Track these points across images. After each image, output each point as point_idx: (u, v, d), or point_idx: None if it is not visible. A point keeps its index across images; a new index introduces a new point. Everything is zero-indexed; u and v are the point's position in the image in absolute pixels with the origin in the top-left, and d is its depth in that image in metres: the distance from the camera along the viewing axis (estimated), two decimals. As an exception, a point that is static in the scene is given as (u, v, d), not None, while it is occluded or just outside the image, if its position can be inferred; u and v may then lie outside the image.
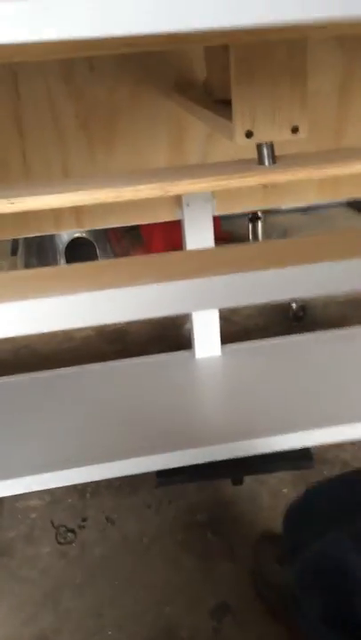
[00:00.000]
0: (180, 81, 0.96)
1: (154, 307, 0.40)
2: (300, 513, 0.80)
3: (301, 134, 0.63)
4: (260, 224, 1.85)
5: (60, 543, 1.02)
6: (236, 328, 1.64)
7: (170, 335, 1.61)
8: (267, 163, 0.66)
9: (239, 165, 0.67)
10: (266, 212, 1.90)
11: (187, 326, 1.56)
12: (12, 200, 0.63)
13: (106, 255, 2.00)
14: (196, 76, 0.96)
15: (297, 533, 0.78)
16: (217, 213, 1.09)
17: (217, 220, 2.20)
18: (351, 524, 0.69)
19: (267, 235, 2.02)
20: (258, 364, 1.19)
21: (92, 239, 1.94)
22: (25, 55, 0.68)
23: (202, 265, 0.40)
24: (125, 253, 2.09)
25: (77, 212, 1.04)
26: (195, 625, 0.88)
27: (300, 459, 1.05)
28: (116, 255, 2.04)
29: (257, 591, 0.91)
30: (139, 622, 0.88)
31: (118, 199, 0.63)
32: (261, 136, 0.63)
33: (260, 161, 0.66)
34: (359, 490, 0.76)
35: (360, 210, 2.40)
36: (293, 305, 1.65)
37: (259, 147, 0.65)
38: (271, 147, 0.65)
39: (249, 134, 0.62)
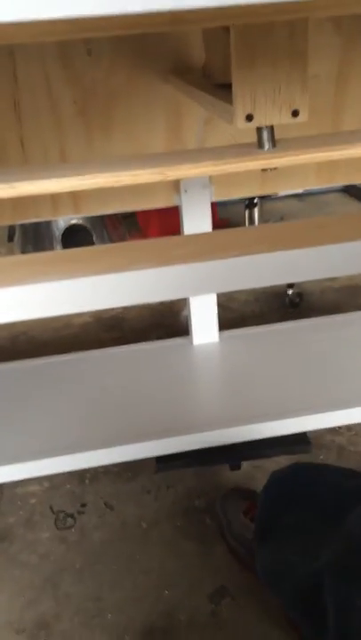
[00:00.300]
0: (178, 65, 0.95)
1: (152, 291, 0.40)
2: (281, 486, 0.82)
3: (302, 117, 0.63)
4: (256, 210, 1.84)
5: (59, 528, 1.02)
6: (232, 315, 1.64)
7: (167, 322, 1.61)
8: (266, 146, 0.65)
9: (239, 149, 0.66)
10: (262, 199, 1.89)
11: (184, 313, 1.56)
12: (13, 184, 0.62)
13: (103, 242, 1.99)
14: (194, 59, 0.95)
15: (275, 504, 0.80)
16: (215, 199, 1.08)
17: (214, 207, 2.20)
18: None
19: (263, 221, 2.01)
20: (255, 351, 1.19)
21: (88, 226, 1.93)
22: (21, 36, 0.67)
23: (199, 249, 0.39)
24: (122, 240, 2.08)
25: (75, 197, 1.03)
26: (193, 608, 0.89)
27: (296, 443, 1.05)
28: (113, 242, 2.03)
29: (225, 542, 0.97)
30: (138, 606, 0.89)
31: (117, 184, 0.62)
32: (262, 119, 0.62)
33: (260, 145, 0.66)
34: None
35: (356, 196, 2.39)
36: (290, 291, 1.65)
37: (259, 130, 0.65)
38: (271, 130, 0.65)
39: (249, 118, 0.62)
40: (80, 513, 1.05)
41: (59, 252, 0.46)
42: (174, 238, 0.42)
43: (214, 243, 0.41)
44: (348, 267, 0.40)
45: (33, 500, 1.08)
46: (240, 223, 2.02)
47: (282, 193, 2.26)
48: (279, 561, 0.76)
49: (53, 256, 0.43)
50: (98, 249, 0.42)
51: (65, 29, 0.63)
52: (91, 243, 1.95)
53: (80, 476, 1.13)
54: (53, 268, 0.42)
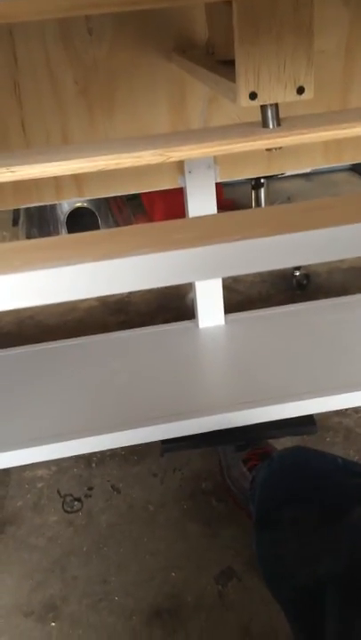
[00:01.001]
0: (181, 42, 0.93)
1: (153, 277, 0.39)
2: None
3: (307, 95, 0.61)
4: (262, 191, 1.82)
5: (66, 512, 1.03)
6: (239, 297, 1.63)
7: (173, 305, 1.60)
8: (271, 125, 0.64)
9: (242, 129, 0.65)
10: (269, 179, 1.86)
11: (190, 296, 1.55)
12: (13, 168, 0.61)
13: (107, 224, 1.98)
14: (198, 36, 0.92)
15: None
16: (220, 180, 1.06)
17: (219, 188, 2.18)
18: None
19: (270, 201, 1.99)
20: (261, 333, 1.18)
21: (93, 209, 1.92)
22: (20, 15, 0.65)
23: (201, 233, 0.38)
24: (127, 222, 2.06)
25: (78, 180, 1.02)
26: (200, 590, 0.89)
27: (303, 424, 1.05)
28: (118, 224, 2.01)
29: (223, 481, 1.03)
30: (145, 588, 0.90)
31: (119, 166, 0.61)
32: (266, 97, 0.60)
33: (265, 123, 0.64)
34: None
35: (365, 175, 2.36)
36: (297, 273, 1.63)
37: (263, 108, 0.63)
38: (276, 108, 0.63)
39: (253, 96, 0.60)
40: (87, 496, 1.06)
41: (57, 237, 0.45)
42: (175, 222, 0.41)
43: (216, 226, 0.40)
44: (353, 249, 0.39)
45: (40, 484, 1.09)
46: (246, 204, 2.00)
47: (289, 172, 2.22)
48: (278, 561, 0.75)
49: (52, 242, 0.42)
50: (101, 234, 0.41)
51: (64, 6, 0.61)
52: (96, 225, 1.94)
53: (87, 459, 1.13)
54: (53, 254, 0.41)
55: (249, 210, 0.43)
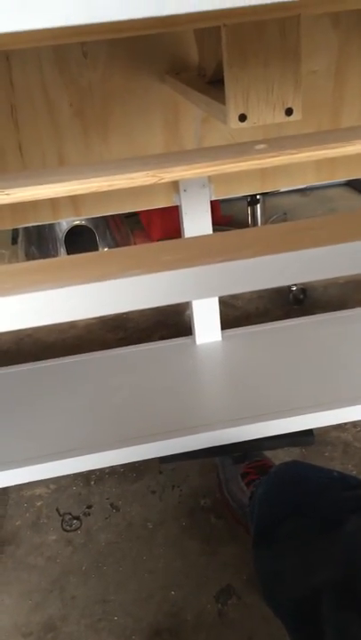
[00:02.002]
0: (174, 64, 0.95)
1: (146, 298, 0.40)
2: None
3: (296, 116, 0.62)
4: (259, 207, 1.84)
5: (65, 530, 1.03)
6: (237, 313, 1.64)
7: (171, 321, 1.61)
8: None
9: (234, 149, 0.66)
10: (265, 195, 1.88)
11: (188, 312, 1.56)
12: (7, 191, 0.63)
13: (106, 242, 1.99)
14: (190, 58, 0.94)
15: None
16: (214, 198, 1.08)
17: (217, 205, 2.20)
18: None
19: (266, 217, 2.01)
20: (258, 349, 1.19)
21: (91, 226, 1.93)
22: (16, 42, 0.67)
23: (188, 255, 0.39)
24: (125, 240, 2.08)
25: (74, 200, 1.03)
26: (200, 608, 0.89)
27: (300, 435, 1.05)
28: (117, 242, 2.03)
29: (221, 494, 1.04)
30: (144, 607, 0.89)
31: (112, 187, 0.62)
32: (255, 119, 0.62)
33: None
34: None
35: (360, 190, 2.38)
36: (294, 288, 1.64)
37: (253, 130, 0.64)
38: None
39: (242, 117, 0.62)
40: (86, 514, 1.06)
41: (48, 260, 0.46)
42: (165, 243, 0.42)
43: (204, 247, 0.41)
44: (338, 268, 0.40)
45: (39, 503, 1.09)
46: (243, 219, 2.01)
47: (284, 188, 2.24)
48: (276, 576, 0.75)
49: (52, 263, 0.43)
50: (86, 257, 0.42)
51: (57, 34, 0.63)
52: (94, 243, 1.95)
53: (86, 477, 1.13)
54: (53, 275, 0.42)
55: (237, 231, 0.44)
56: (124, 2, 0.32)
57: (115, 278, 0.39)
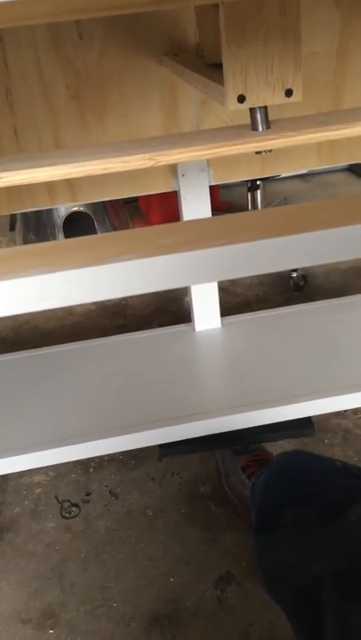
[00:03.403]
0: (172, 45, 0.93)
1: (150, 281, 0.39)
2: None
3: (296, 97, 0.61)
4: (259, 193, 1.82)
5: (64, 518, 1.03)
6: (237, 299, 1.63)
7: (171, 308, 1.60)
8: (260, 128, 0.63)
9: (231, 132, 0.64)
10: (265, 180, 1.86)
11: (187, 299, 1.55)
12: (0, 175, 0.61)
13: (104, 228, 1.98)
14: (188, 39, 0.92)
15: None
16: (213, 183, 1.06)
17: (216, 190, 2.18)
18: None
19: (267, 203, 1.99)
20: (258, 336, 1.18)
21: (90, 212, 1.92)
22: (8, 19, 0.65)
23: (185, 238, 0.38)
24: (124, 225, 2.06)
25: (71, 185, 1.02)
26: (199, 595, 0.89)
27: (300, 427, 1.05)
28: (115, 227, 2.01)
29: (221, 489, 1.03)
30: (143, 594, 0.90)
31: (107, 171, 0.61)
32: (254, 100, 0.60)
33: (254, 126, 0.64)
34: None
35: (362, 175, 2.35)
36: (294, 274, 1.63)
37: (252, 111, 0.63)
38: (265, 111, 0.63)
39: (241, 99, 0.60)
40: (85, 502, 1.05)
41: (53, 242, 0.45)
42: (161, 227, 0.41)
43: (202, 231, 0.40)
44: (339, 253, 0.38)
45: (38, 490, 1.08)
46: (244, 205, 1.99)
47: (285, 174, 2.22)
48: (277, 564, 0.75)
49: (49, 247, 0.42)
50: (81, 241, 0.41)
51: (52, 11, 0.61)
52: (93, 229, 1.94)
53: (85, 464, 1.13)
54: (49, 259, 0.40)
55: (235, 214, 0.43)
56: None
57: (111, 262, 0.38)
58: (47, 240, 1.93)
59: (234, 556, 0.94)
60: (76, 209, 1.88)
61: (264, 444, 1.08)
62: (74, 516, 1.03)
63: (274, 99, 0.60)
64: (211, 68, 0.75)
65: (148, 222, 2.12)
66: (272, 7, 0.56)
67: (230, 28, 0.57)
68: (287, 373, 1.07)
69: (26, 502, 1.06)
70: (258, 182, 1.80)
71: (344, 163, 1.12)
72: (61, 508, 1.04)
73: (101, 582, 0.92)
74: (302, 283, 1.63)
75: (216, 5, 0.60)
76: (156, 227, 0.41)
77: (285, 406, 1.00)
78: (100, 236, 0.41)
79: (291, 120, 0.67)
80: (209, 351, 1.16)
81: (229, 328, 1.21)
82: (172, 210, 1.20)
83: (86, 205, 1.88)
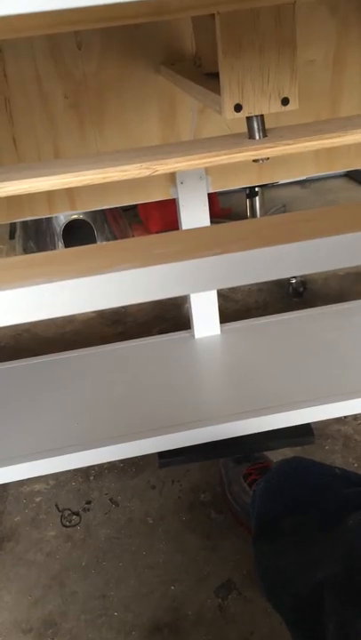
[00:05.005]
0: (170, 55, 0.94)
1: (147, 290, 0.39)
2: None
3: (292, 106, 0.61)
4: (257, 199, 1.82)
5: (65, 526, 1.03)
6: (236, 306, 1.63)
7: (170, 315, 1.60)
8: (257, 136, 0.64)
9: (229, 140, 0.65)
10: (264, 187, 1.87)
11: (187, 306, 1.55)
12: (1, 185, 0.62)
13: (104, 235, 1.98)
14: (186, 48, 0.93)
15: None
16: (212, 190, 1.07)
17: (215, 197, 2.18)
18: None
19: (265, 209, 1.99)
20: (257, 342, 1.18)
21: (89, 220, 1.92)
22: (6, 32, 0.66)
23: (181, 248, 0.38)
24: (124, 233, 2.07)
25: (70, 194, 1.02)
26: (200, 603, 0.89)
27: (300, 435, 1.05)
28: (115, 235, 2.02)
29: (224, 498, 1.03)
30: (144, 602, 0.89)
31: (106, 180, 0.61)
32: (251, 109, 0.61)
33: (251, 135, 0.64)
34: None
35: (359, 181, 2.36)
36: (293, 280, 1.63)
37: (248, 120, 0.63)
38: (261, 119, 0.63)
39: (238, 108, 0.61)
40: (85, 510, 1.05)
41: (42, 254, 0.45)
42: (158, 236, 0.41)
43: (199, 240, 0.40)
44: (332, 261, 0.39)
45: (38, 499, 1.08)
46: (242, 212, 2.00)
47: (283, 180, 2.23)
48: (277, 572, 0.75)
49: (36, 258, 0.42)
50: (79, 250, 0.41)
51: (49, 23, 0.61)
52: (92, 237, 1.94)
53: (85, 472, 1.13)
54: (49, 269, 0.41)
55: (232, 223, 0.43)
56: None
57: (108, 272, 0.38)
58: (47, 248, 1.94)
59: (234, 563, 0.93)
60: (75, 217, 1.88)
61: (266, 452, 1.08)
62: (74, 525, 1.03)
63: (270, 107, 0.61)
64: (208, 77, 0.75)
65: (147, 229, 2.13)
66: (268, 18, 0.57)
67: (226, 38, 0.57)
68: (287, 380, 1.07)
69: (26, 511, 1.06)
70: (256, 189, 1.80)
71: (341, 170, 1.12)
72: (62, 516, 1.04)
73: (102, 591, 0.91)
74: (301, 289, 1.63)
75: (212, 16, 0.61)
76: (152, 236, 0.41)
77: (285, 413, 1.00)
78: (97, 245, 0.42)
79: (288, 128, 0.68)
80: (208, 358, 1.17)
81: (229, 335, 1.21)
82: (171, 217, 1.20)
83: (86, 213, 1.89)
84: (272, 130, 0.66)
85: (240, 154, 0.60)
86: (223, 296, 1.62)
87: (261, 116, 0.62)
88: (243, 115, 0.61)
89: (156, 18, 0.70)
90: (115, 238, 2.01)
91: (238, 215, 2.15)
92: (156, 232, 2.08)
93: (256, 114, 0.61)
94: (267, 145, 0.61)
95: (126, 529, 1.01)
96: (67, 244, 1.92)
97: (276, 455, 1.09)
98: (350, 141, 0.63)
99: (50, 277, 0.37)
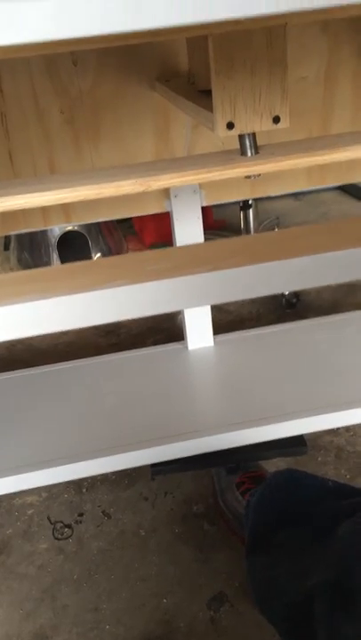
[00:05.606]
0: (164, 71, 0.95)
1: (139, 307, 0.40)
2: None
3: (283, 124, 0.63)
4: (251, 212, 1.84)
5: (57, 539, 1.02)
6: (229, 317, 1.64)
7: (164, 326, 1.61)
8: (249, 153, 0.65)
9: (221, 157, 0.66)
10: (257, 199, 1.89)
11: (180, 318, 1.56)
12: (-5, 199, 0.62)
13: (99, 247, 1.99)
14: (180, 65, 0.95)
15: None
16: (205, 204, 1.08)
17: (209, 210, 2.20)
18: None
19: (259, 221, 2.01)
20: (250, 354, 1.19)
21: (84, 232, 1.93)
22: (5, 53, 0.67)
23: (173, 264, 0.39)
24: (118, 245, 2.08)
25: (65, 207, 1.03)
26: (193, 616, 0.89)
27: (293, 446, 1.05)
28: (109, 247, 2.03)
29: (217, 506, 1.03)
30: (136, 615, 0.89)
31: (100, 196, 0.62)
32: (243, 127, 0.62)
33: (243, 152, 0.65)
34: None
35: (352, 194, 2.39)
36: (286, 292, 1.65)
37: (241, 137, 0.64)
38: (253, 137, 0.65)
39: (230, 125, 0.62)
40: (78, 522, 1.05)
41: (35, 270, 0.45)
42: (151, 253, 0.42)
43: (189, 257, 0.41)
44: (326, 277, 0.40)
45: (30, 511, 1.08)
46: (236, 224, 2.02)
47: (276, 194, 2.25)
48: (270, 583, 0.75)
49: (30, 275, 0.43)
50: (73, 267, 0.42)
51: (47, 45, 0.63)
52: (87, 249, 1.95)
53: (77, 484, 1.13)
54: (30, 287, 0.41)
55: (224, 239, 0.44)
56: (105, 16, 0.32)
57: (103, 288, 0.39)
58: (41, 259, 1.94)
59: (227, 575, 0.94)
60: (70, 228, 1.89)
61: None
62: (66, 537, 1.02)
63: (262, 126, 0.62)
64: (201, 95, 0.77)
65: (141, 241, 2.14)
66: (259, 40, 0.58)
67: (219, 58, 0.59)
68: (280, 391, 1.07)
69: (18, 524, 1.06)
70: (250, 201, 1.82)
71: (333, 184, 1.14)
72: (54, 529, 1.04)
73: (94, 604, 0.91)
74: (294, 300, 1.65)
75: (205, 37, 0.62)
76: (146, 252, 0.42)
77: (278, 424, 1.00)
78: (91, 262, 0.42)
79: (279, 145, 0.69)
80: (202, 369, 1.17)
81: (222, 346, 1.22)
82: (165, 229, 1.22)
83: (80, 225, 1.90)
84: (264, 146, 0.68)
85: (232, 170, 0.61)
86: (217, 307, 1.63)
87: (253, 133, 0.64)
88: (235, 133, 0.62)
89: (151, 39, 0.72)
90: (109, 250, 2.02)
91: (232, 227, 2.17)
92: (151, 243, 2.09)
93: (248, 132, 0.62)
94: (258, 162, 0.63)
95: (118, 541, 1.01)
96: (61, 256, 1.93)
97: (269, 465, 1.10)
98: (340, 159, 0.65)
99: (44, 294, 0.38)
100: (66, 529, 1.04)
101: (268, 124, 0.62)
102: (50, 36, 0.33)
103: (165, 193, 1.06)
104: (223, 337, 1.25)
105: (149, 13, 0.31)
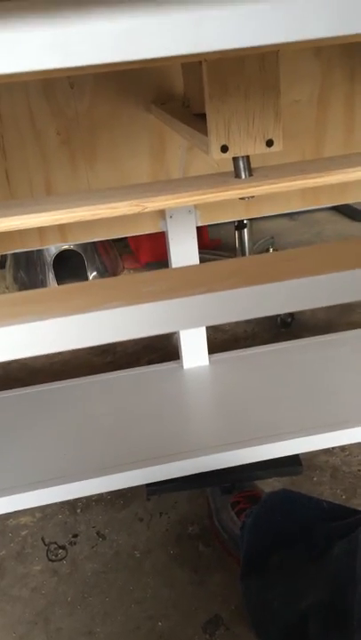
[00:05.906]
0: (160, 94, 0.97)
1: (134, 328, 0.40)
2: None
3: (276, 147, 0.64)
4: (245, 231, 1.86)
5: (51, 560, 1.01)
6: (225, 336, 1.64)
7: (159, 345, 1.61)
8: (243, 175, 0.66)
9: (216, 179, 0.67)
10: (252, 219, 1.90)
11: (176, 337, 1.56)
12: (-9, 220, 0.63)
13: (95, 266, 2.00)
14: (176, 89, 0.96)
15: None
16: (200, 224, 1.09)
17: (204, 229, 2.22)
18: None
19: (254, 241, 2.03)
20: (245, 373, 1.19)
21: (80, 251, 1.94)
22: (2, 77, 0.68)
23: (168, 286, 0.40)
24: (114, 263, 2.09)
25: (61, 227, 1.04)
26: (188, 639, 0.87)
27: (288, 465, 1.05)
28: (105, 266, 2.04)
29: (213, 530, 1.02)
30: (131, 639, 0.88)
31: (95, 217, 0.63)
32: (237, 150, 0.63)
33: (237, 174, 0.66)
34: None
35: (346, 213, 2.41)
36: (282, 311, 1.65)
37: (235, 160, 0.66)
38: (247, 160, 0.66)
39: (224, 149, 0.63)
40: (72, 544, 1.04)
41: (30, 292, 0.46)
42: (146, 274, 0.43)
43: (184, 279, 0.41)
44: (319, 299, 0.40)
45: (24, 532, 1.07)
46: (231, 243, 2.03)
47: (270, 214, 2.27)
48: (265, 606, 0.75)
49: (25, 297, 0.43)
50: (68, 288, 0.43)
51: (45, 71, 0.64)
52: (83, 268, 1.96)
53: (72, 505, 1.12)
54: (25, 309, 0.42)
55: (218, 261, 0.45)
56: (101, 48, 0.33)
57: (98, 310, 0.39)
58: (37, 278, 1.95)
59: (223, 598, 0.92)
60: (66, 247, 1.90)
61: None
62: (60, 559, 1.01)
63: (255, 149, 0.63)
64: (196, 118, 0.78)
65: (137, 260, 2.15)
66: (253, 65, 0.60)
67: (213, 83, 0.60)
68: (275, 410, 1.07)
69: (12, 545, 1.05)
70: (245, 221, 1.84)
71: (326, 205, 1.15)
72: (48, 550, 1.03)
73: (88, 627, 0.90)
74: (289, 319, 1.65)
75: (200, 62, 0.64)
76: (141, 274, 0.42)
77: (274, 444, 1.00)
78: (87, 283, 0.43)
79: (272, 168, 0.70)
80: (197, 389, 1.17)
81: (218, 365, 1.22)
82: (161, 248, 1.23)
83: (77, 244, 1.91)
84: (258, 169, 0.69)
85: (226, 192, 0.62)
86: (212, 326, 1.64)
87: (247, 156, 0.65)
88: (229, 155, 0.63)
89: (146, 64, 0.73)
90: (105, 269, 2.03)
91: (227, 246, 2.19)
92: (146, 262, 2.10)
93: (242, 155, 0.63)
94: (252, 184, 0.63)
95: (113, 563, 1.00)
96: (57, 275, 1.94)
97: (265, 484, 1.09)
98: (332, 181, 0.66)
99: (41, 315, 0.38)
100: (60, 550, 1.03)
101: (261, 148, 0.63)
102: (48, 65, 0.34)
103: (161, 213, 1.07)
104: (218, 356, 1.25)
105: (143, 44, 0.32)
